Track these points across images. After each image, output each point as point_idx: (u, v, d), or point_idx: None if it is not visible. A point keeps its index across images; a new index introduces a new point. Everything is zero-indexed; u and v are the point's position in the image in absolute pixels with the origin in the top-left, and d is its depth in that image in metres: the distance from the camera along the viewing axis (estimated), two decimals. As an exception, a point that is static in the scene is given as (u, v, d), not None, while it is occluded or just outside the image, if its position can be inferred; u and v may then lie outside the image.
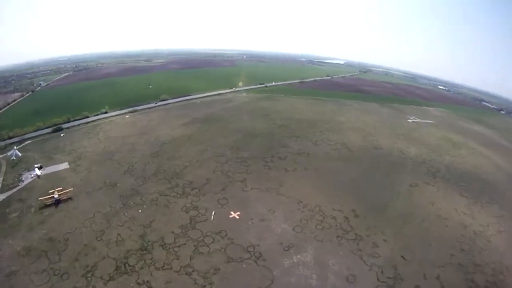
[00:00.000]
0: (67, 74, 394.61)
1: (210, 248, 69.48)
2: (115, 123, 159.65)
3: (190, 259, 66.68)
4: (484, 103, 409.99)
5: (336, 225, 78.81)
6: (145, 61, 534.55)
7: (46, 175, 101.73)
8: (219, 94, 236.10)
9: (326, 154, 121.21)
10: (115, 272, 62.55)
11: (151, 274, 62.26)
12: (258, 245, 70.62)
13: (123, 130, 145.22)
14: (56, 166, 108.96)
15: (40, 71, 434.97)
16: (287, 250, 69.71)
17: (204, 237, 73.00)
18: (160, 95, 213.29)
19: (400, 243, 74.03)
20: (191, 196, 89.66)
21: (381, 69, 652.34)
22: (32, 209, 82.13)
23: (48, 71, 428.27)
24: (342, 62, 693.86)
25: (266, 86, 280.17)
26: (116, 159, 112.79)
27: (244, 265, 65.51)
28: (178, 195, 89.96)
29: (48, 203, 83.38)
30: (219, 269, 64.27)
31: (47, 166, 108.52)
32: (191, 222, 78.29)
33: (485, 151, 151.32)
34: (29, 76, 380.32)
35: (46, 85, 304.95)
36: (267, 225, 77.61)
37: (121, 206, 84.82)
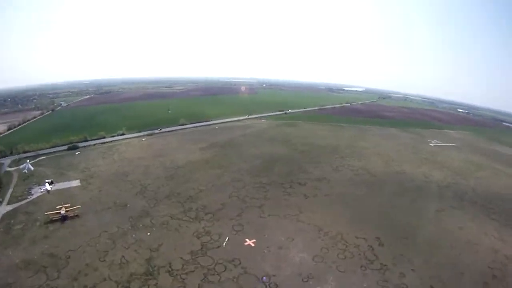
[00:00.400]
0: (88, 96, 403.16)
1: (221, 277, 62.95)
2: (131, 145, 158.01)
3: (198, 288, 59.63)
4: (504, 123, 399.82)
5: (360, 254, 71.67)
6: (166, 87, 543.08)
7: (56, 190, 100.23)
8: (238, 120, 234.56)
9: (348, 179, 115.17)
10: None
11: None
12: (274, 276, 63.63)
13: (138, 152, 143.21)
14: (67, 182, 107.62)
15: (63, 92, 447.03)
16: (306, 282, 62.53)
17: (216, 265, 66.65)
18: (179, 120, 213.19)
19: (429, 272, 66.68)
20: (204, 221, 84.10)
21: (400, 95, 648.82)
22: (38, 223, 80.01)
23: (70, 93, 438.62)
24: (361, 90, 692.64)
25: (285, 113, 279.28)
26: (129, 180, 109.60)
27: (257, 298, 58.15)
28: (191, 220, 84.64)
29: (54, 219, 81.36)
30: (227, 301, 57.19)
31: (58, 182, 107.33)
32: (202, 248, 72.30)
33: (510, 171, 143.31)
34: (51, 96, 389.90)
35: (67, 105, 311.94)
36: (284, 254, 70.79)
37: (129, 227, 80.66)
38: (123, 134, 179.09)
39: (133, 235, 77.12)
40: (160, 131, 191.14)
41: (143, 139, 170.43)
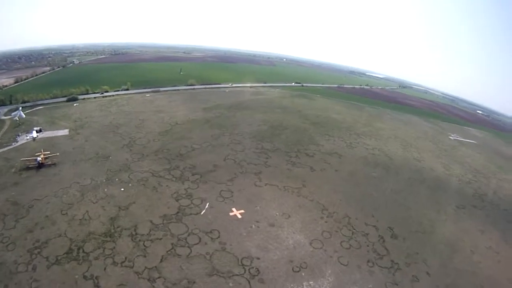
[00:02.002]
0: (102, 56, 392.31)
1: (191, 251, 50.71)
2: (133, 99, 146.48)
3: (161, 261, 48.60)
4: None
5: (368, 246, 58.17)
6: (184, 52, 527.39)
7: (42, 138, 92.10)
8: (250, 87, 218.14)
9: (362, 158, 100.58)
10: (64, 255, 48.50)
11: (104, 269, 46.32)
12: (258, 259, 50.78)
13: (138, 107, 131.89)
14: (55, 131, 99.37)
15: (78, 52, 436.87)
16: (297, 272, 49.40)
17: (189, 235, 54.53)
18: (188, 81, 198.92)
19: (446, 280, 53.22)
20: (189, 182, 71.95)
21: (420, 87, 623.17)
22: (13, 170, 73.04)
23: (86, 53, 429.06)
24: (381, 77, 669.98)
25: (302, 86, 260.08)
26: (119, 133, 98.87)
27: (231, 284, 45.88)
28: (174, 179, 72.72)
29: (30, 166, 74.49)
30: (194, 282, 45.30)
31: (47, 130, 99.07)
32: (178, 213, 60.32)
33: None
34: (66, 55, 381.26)
35: (79, 63, 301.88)
36: (276, 233, 57.55)
37: (104, 180, 70.63)
38: (127, 90, 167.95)
39: (105, 190, 66.84)
40: (166, 89, 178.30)
41: (147, 95, 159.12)
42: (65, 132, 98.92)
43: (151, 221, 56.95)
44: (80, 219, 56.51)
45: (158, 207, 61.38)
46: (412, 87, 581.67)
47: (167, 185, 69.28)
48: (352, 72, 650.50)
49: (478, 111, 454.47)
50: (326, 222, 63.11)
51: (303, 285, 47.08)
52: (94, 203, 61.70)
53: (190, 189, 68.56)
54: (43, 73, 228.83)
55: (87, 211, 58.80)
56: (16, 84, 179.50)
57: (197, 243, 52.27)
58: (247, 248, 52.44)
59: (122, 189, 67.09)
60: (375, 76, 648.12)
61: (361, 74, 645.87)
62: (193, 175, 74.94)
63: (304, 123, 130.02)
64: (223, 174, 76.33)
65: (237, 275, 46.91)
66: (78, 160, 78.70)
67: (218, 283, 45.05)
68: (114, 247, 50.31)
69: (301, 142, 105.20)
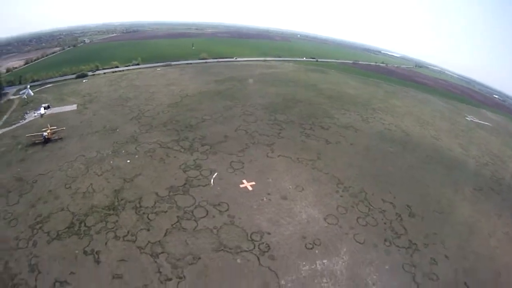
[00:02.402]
0: (114, 34, 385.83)
1: (197, 225, 46.67)
2: (144, 74, 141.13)
3: (165, 235, 44.81)
4: None
5: (385, 223, 52.92)
6: (196, 29, 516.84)
7: (49, 115, 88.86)
8: (264, 61, 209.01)
9: (378, 132, 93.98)
10: (65, 230, 45.24)
11: (105, 244, 42.87)
12: (268, 234, 46.36)
13: (149, 80, 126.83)
14: (63, 107, 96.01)
15: (90, 32, 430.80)
16: (310, 249, 44.87)
17: (196, 207, 50.36)
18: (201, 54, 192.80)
19: (464, 263, 47.81)
20: (198, 152, 67.55)
21: (436, 68, 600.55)
22: (19, 146, 69.70)
23: (97, 32, 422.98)
24: (397, 55, 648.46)
25: (317, 61, 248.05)
26: (129, 105, 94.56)
27: (239, 260, 41.81)
28: (182, 150, 68.34)
29: (36, 141, 71.05)
30: (199, 258, 41.46)
31: (55, 107, 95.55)
32: (185, 184, 56.13)
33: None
34: (77, 35, 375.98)
35: (89, 42, 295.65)
36: (288, 207, 52.78)
37: (110, 153, 66.78)
38: (137, 65, 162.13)
39: (111, 162, 62.99)
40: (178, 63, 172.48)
41: (158, 69, 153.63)
42: (73, 107, 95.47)
43: (156, 193, 53.03)
44: (83, 192, 53.10)
45: (164, 178, 57.36)
46: (428, 67, 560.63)
47: (175, 156, 65.04)
48: (367, 50, 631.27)
49: (494, 95, 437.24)
50: (341, 196, 57.96)
51: (316, 264, 42.57)
52: (98, 175, 58.05)
53: (199, 160, 64.18)
54: (53, 53, 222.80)
55: (91, 184, 55.26)
56: (26, 65, 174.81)
57: (204, 216, 48.12)
58: (257, 222, 48.02)
59: (128, 161, 63.23)
60: (390, 55, 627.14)
61: (377, 52, 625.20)
62: (202, 145, 70.45)
63: (318, 97, 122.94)
64: (234, 145, 71.60)
65: (245, 251, 42.72)
66: (85, 134, 75.06)
67: (225, 259, 40.98)
68: (117, 221, 46.78)
69: (316, 115, 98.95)
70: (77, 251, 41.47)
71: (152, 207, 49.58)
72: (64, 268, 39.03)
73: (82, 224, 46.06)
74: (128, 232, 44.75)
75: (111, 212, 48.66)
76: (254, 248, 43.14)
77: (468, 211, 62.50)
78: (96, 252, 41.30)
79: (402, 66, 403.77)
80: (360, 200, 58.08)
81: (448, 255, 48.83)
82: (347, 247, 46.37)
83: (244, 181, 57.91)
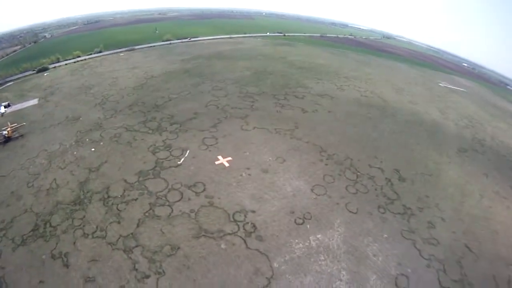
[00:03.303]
0: (75, 27, 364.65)
1: (172, 210, 40.76)
2: (107, 60, 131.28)
3: (137, 225, 38.78)
4: (508, 87, 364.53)
5: (376, 190, 48.31)
6: (159, 14, 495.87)
7: (10, 113, 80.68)
8: (230, 38, 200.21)
9: (355, 99, 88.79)
10: (30, 233, 38.84)
11: (74, 243, 36.71)
12: (253, 212, 41.02)
13: (112, 66, 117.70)
14: (24, 103, 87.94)
15: (50, 27, 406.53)
16: (300, 224, 39.92)
17: (169, 191, 44.24)
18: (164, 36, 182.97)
19: (462, 225, 44.36)
20: (167, 132, 60.97)
21: (404, 39, 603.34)
22: None
23: (58, 27, 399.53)
24: (365, 28, 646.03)
25: (284, 35, 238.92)
26: (92, 93, 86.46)
27: (223, 246, 36.40)
28: (150, 131, 61.53)
29: None
30: (178, 248, 35.86)
31: (15, 104, 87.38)
32: (155, 167, 49.68)
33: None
34: (37, 32, 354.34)
35: (50, 36, 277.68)
36: (271, 180, 47.47)
37: (73, 143, 59.50)
38: (100, 52, 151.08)
39: (75, 152, 56.00)
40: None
41: (121, 55, 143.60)
42: (34, 101, 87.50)
43: (125, 180, 46.58)
44: (47, 189, 46.27)
45: (132, 163, 50.82)
46: (395, 38, 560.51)
47: (142, 139, 58.33)
48: (334, 24, 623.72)
49: (463, 64, 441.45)
50: (326, 165, 52.90)
51: (309, 240, 37.61)
52: (62, 169, 51.11)
53: (169, 139, 57.71)
54: (14, 52, 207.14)
55: (54, 179, 48.39)
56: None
57: (179, 200, 42.23)
58: (239, 201, 42.45)
59: (93, 149, 56.34)
60: (357, 28, 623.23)
61: (344, 25, 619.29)
62: (171, 125, 63.80)
63: (289, 68, 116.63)
64: (205, 121, 65.20)
65: (229, 234, 37.19)
66: (47, 127, 67.35)
67: (208, 246, 35.49)
68: (84, 216, 40.47)
69: (289, 85, 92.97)
70: (44, 256, 35.53)
71: (121, 196, 43.42)
72: (32, 277, 33.17)
73: (47, 225, 39.70)
74: (97, 227, 38.71)
75: (77, 207, 42.25)
76: (239, 229, 37.77)
77: (456, 172, 58.87)
78: (64, 255, 35.34)
79: (370, 37, 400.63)
80: (346, 167, 53.21)
81: (444, 218, 45.12)
82: (341, 218, 41.65)
83: (220, 157, 51.92)
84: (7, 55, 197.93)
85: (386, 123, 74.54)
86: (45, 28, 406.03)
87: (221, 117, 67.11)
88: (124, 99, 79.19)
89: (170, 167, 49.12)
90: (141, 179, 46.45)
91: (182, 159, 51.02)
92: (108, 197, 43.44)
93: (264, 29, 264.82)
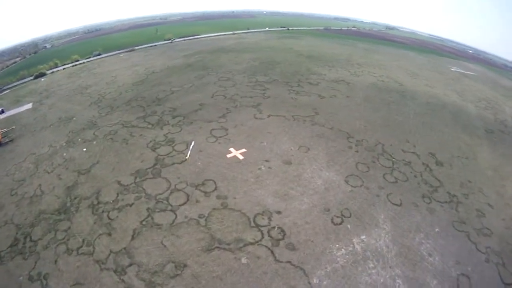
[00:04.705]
0: (76, 36, 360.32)
1: (176, 216, 31.95)
2: (106, 61, 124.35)
3: (132, 238, 30.07)
4: None
5: (416, 177, 39.89)
6: (160, 19, 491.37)
7: (4, 119, 75.00)
8: (232, 34, 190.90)
9: (372, 84, 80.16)
10: (8, 250, 31.10)
11: (55, 262, 28.49)
12: (279, 213, 32.05)
13: (111, 66, 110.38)
14: (18, 108, 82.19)
15: (51, 39, 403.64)
16: (339, 224, 31.14)
17: (172, 192, 35.24)
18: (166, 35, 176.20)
19: (510, 210, 36.94)
20: (169, 126, 52.24)
21: (406, 29, 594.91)
22: None
23: (59, 37, 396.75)
24: (367, 21, 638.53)
25: (288, 29, 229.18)
26: (88, 92, 78.90)
27: (244, 260, 27.17)
28: (149, 126, 52.91)
29: None
30: (185, 265, 26.86)
31: (10, 110, 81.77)
32: (155, 165, 40.67)
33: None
34: (38, 43, 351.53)
35: (51, 47, 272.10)
36: (296, 173, 38.52)
37: (64, 144, 51.58)
38: (99, 55, 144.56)
39: (64, 154, 48.14)
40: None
41: (121, 55, 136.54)
42: (28, 106, 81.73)
43: (119, 182, 38.02)
44: (30, 197, 38.55)
45: (128, 162, 42.25)
46: (398, 29, 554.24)
47: (141, 134, 49.79)
48: (336, 19, 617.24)
49: (468, 51, 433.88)
50: (357, 152, 44.14)
51: (353, 243, 28.71)
52: (49, 173, 43.29)
53: (171, 133, 49.06)
54: (13, 63, 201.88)
55: (39, 185, 40.55)
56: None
57: (185, 203, 33.27)
58: (259, 200, 33.42)
59: (85, 149, 48.33)
60: (360, 21, 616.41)
61: (346, 20, 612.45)
62: (174, 118, 55.21)
63: (298, 58, 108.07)
64: (212, 112, 56.50)
65: (251, 243, 28.13)
66: (38, 130, 60.33)
67: (223, 261, 26.49)
68: (69, 228, 32.21)
69: (300, 73, 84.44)
70: (21, 278, 27.75)
71: (113, 201, 34.79)
72: (7, 305, 24.61)
73: (28, 239, 31.98)
74: (83, 241, 30.30)
75: (62, 216, 34.07)
76: (263, 237, 28.69)
77: (489, 154, 51.08)
78: (44, 276, 27.27)
79: (373, 29, 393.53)
80: (379, 153, 44.54)
81: (491, 204, 37.21)
82: (384, 213, 32.84)
83: (232, 149, 42.98)
84: (7, 66, 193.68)
85: (409, 106, 66.38)
86: (46, 40, 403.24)
87: (230, 107, 58.36)
88: (122, 95, 71.32)
89: (173, 163, 40.36)
90: (138, 180, 37.75)
91: (189, 152, 42.06)
92: (98, 203, 34.88)
93: (266, 25, 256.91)
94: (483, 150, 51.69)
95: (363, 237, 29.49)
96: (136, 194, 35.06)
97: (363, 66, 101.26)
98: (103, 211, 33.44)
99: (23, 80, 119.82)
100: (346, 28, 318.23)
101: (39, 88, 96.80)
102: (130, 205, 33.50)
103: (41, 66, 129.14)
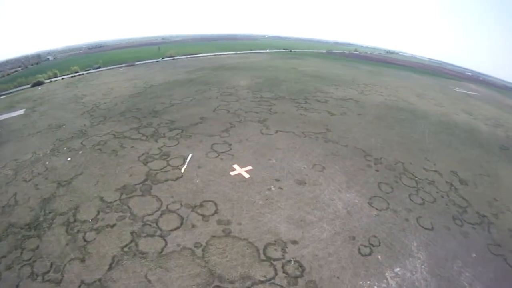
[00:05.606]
0: (79, 51, 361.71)
1: (166, 244, 25.91)
2: (104, 74, 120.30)
3: (110, 267, 23.79)
4: None
5: (443, 197, 35.77)
6: (162, 39, 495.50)
7: None
8: (235, 53, 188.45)
9: (381, 102, 77.55)
10: None
11: (16, 287, 22.37)
12: (294, 243, 26.06)
13: (109, 79, 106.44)
14: (10, 113, 77.40)
15: (55, 52, 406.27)
16: (367, 256, 25.48)
17: (162, 214, 29.31)
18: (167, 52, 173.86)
19: None
20: (165, 139, 46.72)
21: (406, 54, 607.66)
22: None
23: (62, 51, 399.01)
24: (367, 46, 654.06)
25: (290, 51, 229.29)
26: (83, 102, 74.32)
27: (255, 307, 20.05)
28: (143, 138, 47.19)
29: None
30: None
31: (2, 114, 77.37)
32: (145, 180, 34.82)
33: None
34: (42, 55, 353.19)
35: (53, 59, 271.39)
36: (312, 194, 33.06)
37: (48, 152, 46.43)
38: (99, 68, 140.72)
39: (47, 162, 43.04)
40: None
41: (121, 69, 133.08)
42: (20, 112, 77.37)
43: (101, 198, 32.08)
44: (2, 207, 33.07)
45: (115, 176, 36.43)
46: (398, 53, 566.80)
47: (132, 146, 44.17)
48: (336, 43, 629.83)
49: (467, 73, 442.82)
50: (377, 171, 39.21)
51: (386, 278, 22.90)
52: (27, 181, 37.94)
53: (166, 146, 43.47)
54: (15, 71, 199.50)
55: (14, 194, 35.16)
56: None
57: (178, 228, 27.26)
58: (270, 226, 27.58)
59: (69, 159, 42.92)
60: (360, 46, 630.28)
61: (347, 44, 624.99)
62: (171, 130, 49.89)
63: (303, 77, 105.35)
64: (214, 126, 51.37)
65: (261, 282, 22.09)
66: (25, 136, 55.60)
67: (227, 309, 20.08)
68: (37, 247, 26.38)
69: (306, 91, 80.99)
70: None
71: (92, 220, 28.71)
72: None
73: None
74: (51, 265, 24.24)
75: (32, 232, 28.27)
76: (277, 274, 22.64)
77: (510, 171, 48.13)
78: (-1, 310, 20.46)
79: (374, 53, 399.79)
80: (401, 172, 40.04)
81: None
82: (417, 239, 27.85)
83: (236, 166, 37.29)
84: (8, 74, 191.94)
85: (421, 125, 63.74)
86: (50, 53, 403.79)
87: (234, 121, 53.31)
88: (117, 106, 66.48)
89: (166, 180, 34.44)
90: (123, 196, 31.76)
91: (185, 166, 36.20)
92: (75, 221, 28.92)
93: (268, 47, 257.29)
94: (502, 167, 48.63)
95: (397, 269, 23.94)
96: (120, 214, 29.00)
97: (369, 86, 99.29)
98: (78, 231, 27.40)
99: (21, 88, 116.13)
100: (348, 52, 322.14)
101: (35, 95, 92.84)
102: (112, 226, 27.43)
103: (40, 75, 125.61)
